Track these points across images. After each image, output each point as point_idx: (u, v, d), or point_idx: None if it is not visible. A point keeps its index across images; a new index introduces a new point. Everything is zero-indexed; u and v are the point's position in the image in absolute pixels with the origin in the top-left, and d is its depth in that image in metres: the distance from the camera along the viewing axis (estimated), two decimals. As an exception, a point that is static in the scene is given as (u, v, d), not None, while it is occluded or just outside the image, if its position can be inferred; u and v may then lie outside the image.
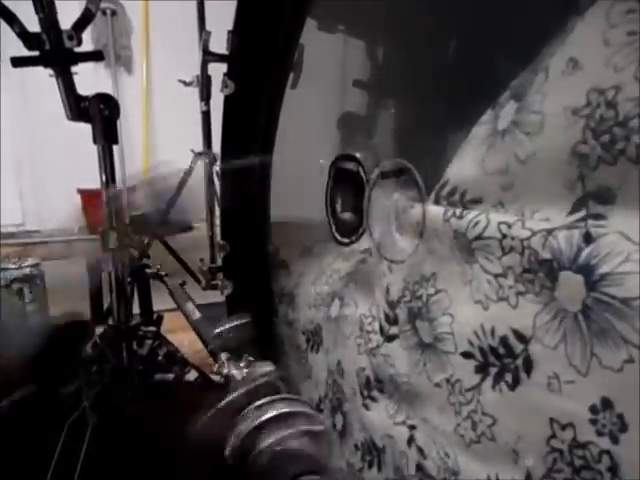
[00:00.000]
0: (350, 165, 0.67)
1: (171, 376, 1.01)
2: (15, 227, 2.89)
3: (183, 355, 1.06)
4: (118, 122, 0.85)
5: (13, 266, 1.46)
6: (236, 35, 0.82)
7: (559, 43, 0.41)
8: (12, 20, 0.76)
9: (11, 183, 2.80)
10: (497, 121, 0.46)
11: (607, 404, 0.35)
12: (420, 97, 0.60)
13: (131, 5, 2.95)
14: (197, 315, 0.96)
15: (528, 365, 0.42)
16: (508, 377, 0.43)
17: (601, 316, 0.36)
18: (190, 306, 1.01)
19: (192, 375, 1.04)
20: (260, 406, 0.50)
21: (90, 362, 0.93)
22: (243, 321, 0.64)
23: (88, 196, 2.78)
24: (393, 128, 0.69)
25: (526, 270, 0.41)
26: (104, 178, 0.86)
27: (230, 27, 0.82)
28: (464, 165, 0.49)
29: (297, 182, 0.84)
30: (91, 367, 0.94)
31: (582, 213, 0.38)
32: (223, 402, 0.51)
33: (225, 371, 0.65)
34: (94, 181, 0.89)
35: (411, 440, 0.56)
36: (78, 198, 2.86)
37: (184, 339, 1.20)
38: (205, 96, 1.70)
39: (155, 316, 1.13)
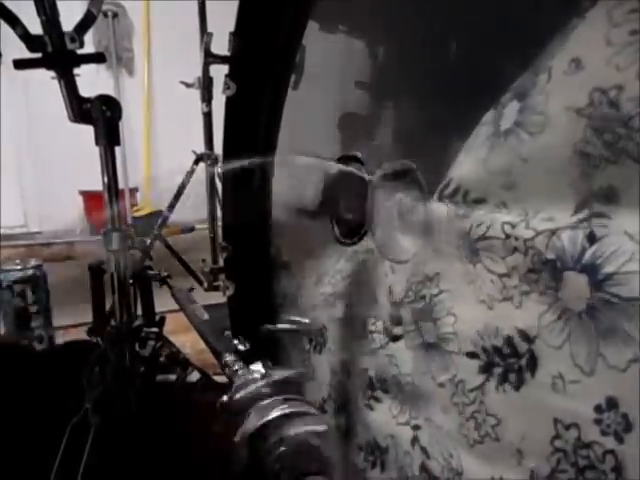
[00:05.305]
0: (352, 166, 0.67)
1: (173, 377, 1.01)
2: (17, 228, 2.90)
3: (185, 356, 1.06)
4: (120, 123, 0.85)
5: (15, 267, 1.46)
6: (237, 36, 0.82)
7: (561, 43, 0.40)
8: (15, 22, 0.76)
9: (13, 184, 2.81)
10: (500, 121, 0.46)
11: (612, 404, 0.35)
12: (422, 97, 0.60)
13: (132, 7, 2.96)
14: (205, 317, 0.96)
15: (532, 365, 0.41)
16: (512, 377, 0.43)
17: (606, 315, 0.36)
18: (197, 308, 1.01)
19: (194, 376, 1.04)
20: (264, 406, 0.50)
21: (92, 365, 0.94)
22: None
23: (90, 197, 2.79)
24: (395, 129, 0.69)
25: (530, 270, 0.41)
26: (106, 179, 0.86)
27: (232, 28, 0.82)
28: (467, 165, 0.49)
29: (299, 183, 0.84)
30: (93, 369, 0.94)
31: (586, 213, 0.38)
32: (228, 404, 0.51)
33: (228, 372, 0.65)
34: (96, 182, 0.90)
35: (415, 440, 0.56)
36: (80, 199, 2.87)
37: (186, 340, 1.21)
38: (207, 97, 1.70)
39: (157, 317, 1.13)
